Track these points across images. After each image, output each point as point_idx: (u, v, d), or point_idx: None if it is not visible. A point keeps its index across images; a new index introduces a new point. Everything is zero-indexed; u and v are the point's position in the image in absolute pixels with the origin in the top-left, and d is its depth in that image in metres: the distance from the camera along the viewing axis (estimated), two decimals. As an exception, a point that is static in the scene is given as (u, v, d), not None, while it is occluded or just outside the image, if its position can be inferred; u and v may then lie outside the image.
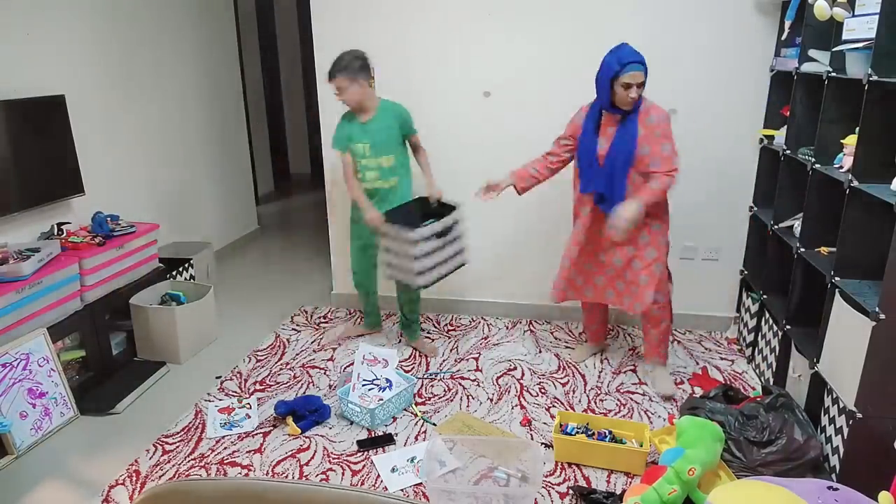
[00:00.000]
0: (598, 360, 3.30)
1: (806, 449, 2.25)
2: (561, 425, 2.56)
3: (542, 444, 2.62)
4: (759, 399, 2.44)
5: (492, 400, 2.96)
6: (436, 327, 3.75)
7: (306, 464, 2.53)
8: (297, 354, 3.44)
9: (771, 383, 2.88)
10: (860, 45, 2.18)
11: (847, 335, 2.20)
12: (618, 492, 2.31)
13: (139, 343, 3.36)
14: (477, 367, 3.27)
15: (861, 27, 2.19)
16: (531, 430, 2.73)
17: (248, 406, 2.90)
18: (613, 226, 2.66)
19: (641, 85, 2.62)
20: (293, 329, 3.76)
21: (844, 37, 2.30)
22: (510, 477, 2.40)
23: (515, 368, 3.24)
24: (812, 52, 2.64)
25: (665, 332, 3.01)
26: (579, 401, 2.94)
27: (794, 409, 2.36)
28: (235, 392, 3.06)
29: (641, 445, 2.46)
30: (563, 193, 3.55)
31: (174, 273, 3.74)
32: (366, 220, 3.11)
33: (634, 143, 2.66)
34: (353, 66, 2.98)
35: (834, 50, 2.40)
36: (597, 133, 2.77)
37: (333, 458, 2.56)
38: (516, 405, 2.92)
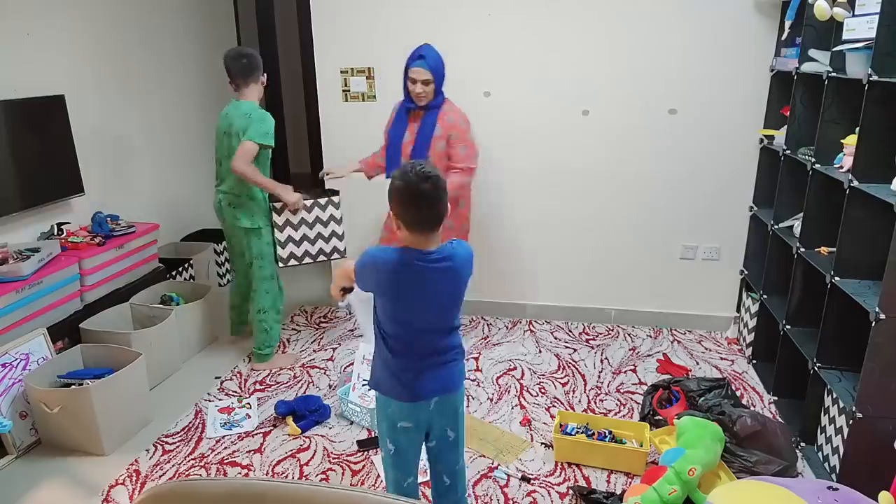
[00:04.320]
0: (598, 360, 3.30)
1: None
2: (561, 425, 2.57)
3: (542, 444, 2.62)
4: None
5: (492, 400, 2.96)
6: (436, 327, 3.74)
7: (306, 464, 2.53)
8: (297, 354, 3.44)
9: (771, 384, 2.88)
10: (860, 45, 2.18)
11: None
12: (618, 492, 2.31)
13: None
14: (477, 367, 3.27)
15: (861, 27, 2.19)
16: (531, 430, 2.73)
17: (248, 406, 2.91)
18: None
19: (426, 82, 2.87)
20: (293, 329, 3.76)
21: (844, 37, 2.30)
22: (510, 477, 2.40)
23: (515, 368, 3.24)
24: (812, 52, 2.64)
25: None
26: (579, 401, 2.94)
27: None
28: (235, 392, 3.06)
29: (641, 445, 2.46)
30: (563, 194, 3.56)
31: (174, 273, 3.74)
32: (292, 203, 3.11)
33: (429, 138, 2.93)
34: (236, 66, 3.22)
35: (834, 50, 2.40)
36: (405, 125, 3.02)
37: (333, 458, 2.56)
38: (516, 405, 2.92)
